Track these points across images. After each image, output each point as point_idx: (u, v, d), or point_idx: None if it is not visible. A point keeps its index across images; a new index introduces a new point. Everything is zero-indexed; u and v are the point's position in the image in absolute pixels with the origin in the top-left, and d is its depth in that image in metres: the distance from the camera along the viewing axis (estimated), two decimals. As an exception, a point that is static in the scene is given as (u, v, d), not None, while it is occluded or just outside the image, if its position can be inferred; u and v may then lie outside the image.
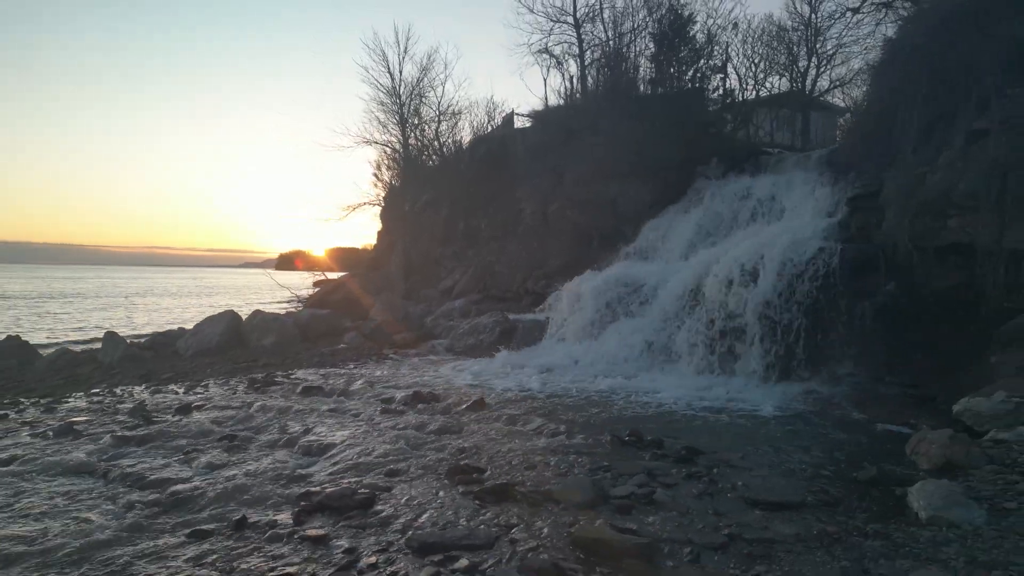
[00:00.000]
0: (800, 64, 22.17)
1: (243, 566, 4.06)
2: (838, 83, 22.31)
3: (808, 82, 22.09)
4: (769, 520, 4.68)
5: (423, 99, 27.45)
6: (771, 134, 22.15)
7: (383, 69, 26.59)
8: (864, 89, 14.17)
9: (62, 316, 33.86)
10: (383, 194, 29.39)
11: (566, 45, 23.93)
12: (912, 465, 5.99)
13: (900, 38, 10.77)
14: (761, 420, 8.01)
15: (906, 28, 10.68)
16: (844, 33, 21.20)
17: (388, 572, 3.97)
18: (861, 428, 7.58)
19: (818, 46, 21.73)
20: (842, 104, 22.49)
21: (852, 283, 9.66)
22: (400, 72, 26.66)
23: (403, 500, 5.19)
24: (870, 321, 9.22)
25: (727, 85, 20.53)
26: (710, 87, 19.32)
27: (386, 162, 29.03)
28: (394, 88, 26.66)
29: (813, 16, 21.43)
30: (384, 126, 27.45)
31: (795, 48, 22.21)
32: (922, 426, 6.86)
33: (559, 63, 24.51)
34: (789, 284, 10.09)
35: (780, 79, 23.16)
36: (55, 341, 20.83)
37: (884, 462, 6.10)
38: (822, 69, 22.18)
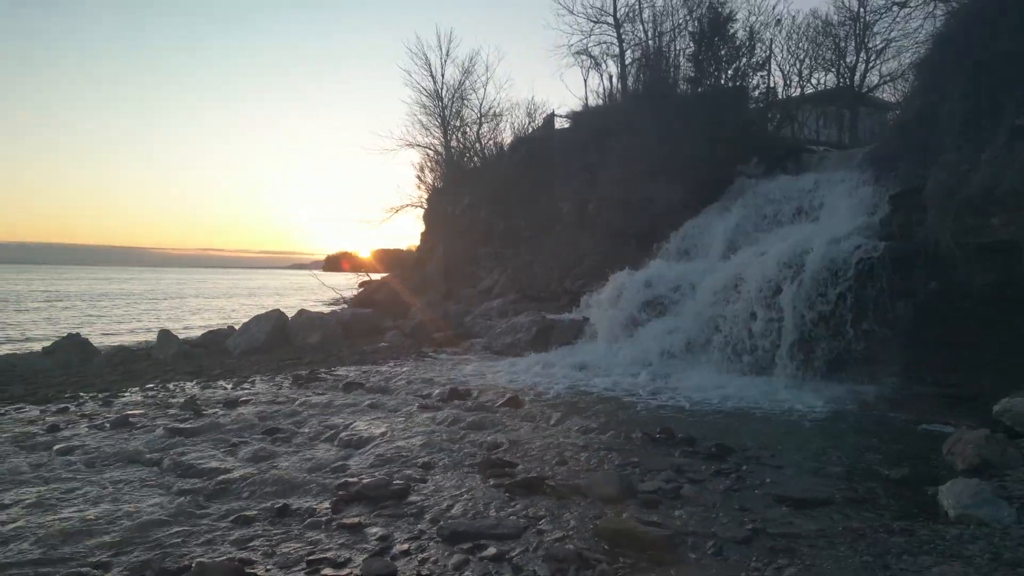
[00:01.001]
0: (848, 59, 21.76)
1: (283, 550, 4.29)
2: (888, 78, 21.80)
3: (856, 78, 21.65)
4: (794, 516, 4.73)
5: (465, 101, 27.71)
6: (817, 131, 21.78)
7: (425, 72, 26.96)
8: (908, 84, 13.88)
9: (120, 315, 35.21)
10: (426, 196, 29.81)
11: (605, 45, 23.94)
12: (948, 465, 5.93)
13: (942, 32, 10.54)
14: (796, 419, 7.97)
15: (949, 22, 10.46)
16: (892, 27, 20.75)
17: (419, 559, 4.15)
18: (898, 428, 7.49)
19: (867, 41, 21.30)
20: (893, 100, 21.98)
21: (892, 282, 9.51)
22: (442, 75, 26.97)
23: (436, 491, 5.37)
24: (910, 320, 9.07)
25: (769, 82, 20.29)
26: (751, 85, 19.12)
27: (429, 164, 29.44)
28: (436, 91, 26.99)
29: (861, 10, 21.02)
30: (427, 129, 27.82)
31: (842, 43, 21.80)
32: (961, 426, 6.76)
33: (598, 64, 24.54)
34: (828, 283, 9.98)
35: (826, 75, 22.76)
36: (113, 339, 21.72)
37: (919, 462, 6.08)
38: (871, 64, 21.72)
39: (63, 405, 8.99)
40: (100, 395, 9.80)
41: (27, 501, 5.16)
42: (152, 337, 18.13)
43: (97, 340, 18.87)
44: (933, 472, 5.73)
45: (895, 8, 19.76)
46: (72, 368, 13.53)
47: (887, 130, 15.70)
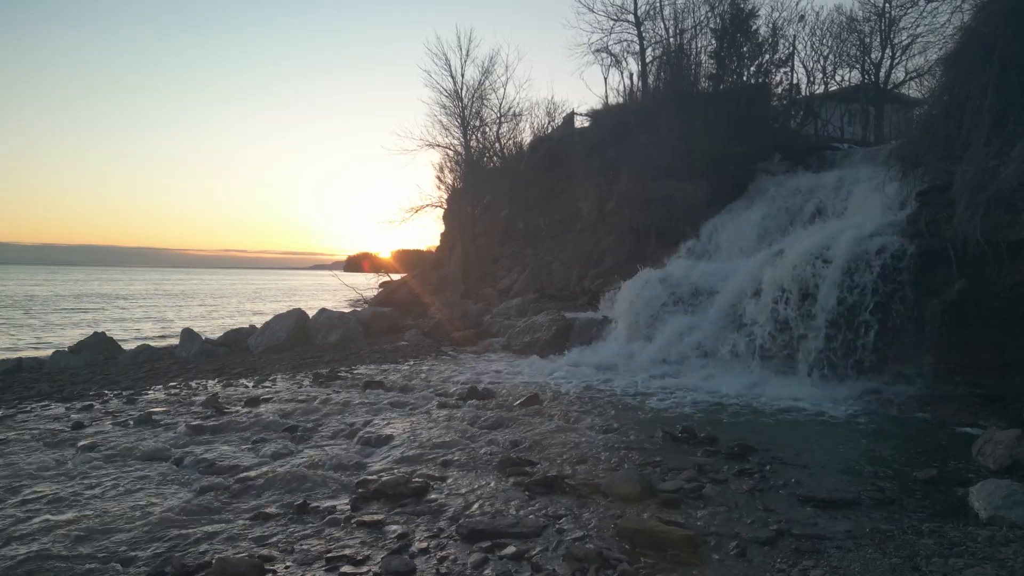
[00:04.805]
0: (872, 55, 21.48)
1: (303, 547, 4.30)
2: (915, 74, 21.47)
3: (881, 74, 21.36)
4: (820, 517, 4.65)
5: (484, 102, 27.61)
6: (841, 129, 21.50)
7: (445, 73, 26.90)
8: (935, 80, 13.65)
9: (144, 315, 35.70)
10: (445, 196, 29.85)
11: (626, 43, 23.85)
12: (977, 466, 5.81)
13: (971, 26, 10.32)
14: (820, 419, 7.85)
15: (977, 16, 10.23)
16: (919, 22, 20.46)
17: (438, 556, 4.12)
18: (925, 428, 7.35)
19: (892, 36, 21.01)
20: (919, 96, 21.63)
21: (920, 280, 9.32)
22: (462, 75, 26.86)
23: (455, 489, 5.35)
24: (938, 319, 8.87)
25: (792, 79, 20.06)
26: (774, 82, 18.90)
27: (448, 165, 29.44)
28: (456, 91, 26.90)
29: (887, 5, 20.73)
30: (446, 129, 27.79)
31: (867, 39, 21.54)
32: (990, 427, 6.61)
33: (618, 62, 24.43)
34: (854, 281, 9.81)
35: (851, 71, 22.50)
36: (137, 337, 22.00)
37: (947, 462, 5.96)
38: (897, 60, 21.43)
39: (88, 403, 9.11)
40: (124, 393, 9.91)
41: (51, 497, 5.22)
42: (176, 336, 18.32)
43: (122, 339, 19.13)
44: (962, 473, 5.60)
45: (922, 2, 19.48)
46: (97, 366, 13.71)
47: (913, 126, 15.43)
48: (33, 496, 5.24)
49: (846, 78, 22.52)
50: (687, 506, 4.91)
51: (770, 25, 19.24)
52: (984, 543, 4.04)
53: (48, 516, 4.81)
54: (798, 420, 7.84)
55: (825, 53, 22.20)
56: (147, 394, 9.81)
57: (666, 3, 22.15)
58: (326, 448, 6.62)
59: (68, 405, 9.01)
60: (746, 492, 5.19)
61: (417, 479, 5.48)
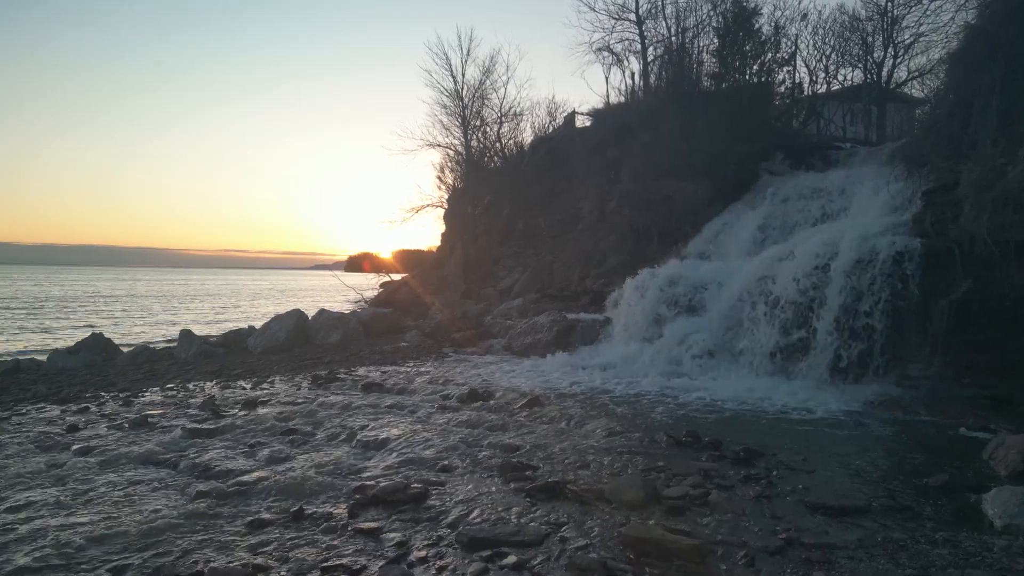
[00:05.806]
0: (875, 55, 21.37)
1: (298, 555, 4.17)
2: (917, 74, 21.36)
3: (884, 73, 21.25)
4: (830, 525, 4.52)
5: (485, 101, 27.42)
6: (843, 128, 21.40)
7: (446, 72, 26.72)
8: (940, 79, 13.54)
9: (143, 315, 35.63)
10: (446, 196, 29.70)
11: (627, 43, 23.72)
12: (989, 471, 5.69)
13: (976, 25, 10.22)
14: (826, 423, 7.72)
15: (982, 14, 10.14)
16: (922, 21, 20.35)
17: (437, 566, 4.01)
18: (934, 432, 7.22)
19: (895, 35, 20.90)
20: (922, 95, 21.51)
21: (926, 280, 9.19)
22: (463, 75, 26.69)
23: (455, 495, 5.23)
24: (945, 320, 8.75)
25: (795, 78, 19.95)
26: (776, 81, 18.80)
27: (449, 165, 29.26)
28: (457, 91, 26.72)
29: (889, 4, 20.62)
30: (447, 129, 27.61)
31: (870, 38, 21.43)
32: (1001, 430, 6.48)
33: (620, 61, 24.30)
34: (859, 282, 9.69)
35: (853, 71, 22.39)
36: (136, 338, 21.92)
37: (958, 467, 5.84)
38: (899, 60, 21.33)
39: (84, 405, 9.00)
40: (121, 395, 9.79)
41: (42, 502, 5.10)
42: (175, 337, 18.22)
43: (120, 340, 19.02)
44: (974, 479, 5.48)
45: (925, 1, 19.39)
46: (95, 367, 13.62)
47: (917, 126, 15.32)
48: (23, 502, 5.12)
49: (848, 77, 22.44)
50: (693, 513, 4.78)
51: (772, 24, 19.19)
52: (1000, 553, 3.92)
53: (37, 522, 4.69)
54: (804, 424, 7.72)
55: (827, 52, 22.10)
56: (144, 396, 9.70)
57: (668, 2, 22.05)
58: (324, 452, 6.49)
59: (64, 407, 8.90)
60: (753, 499, 5.07)
61: (416, 484, 5.36)
